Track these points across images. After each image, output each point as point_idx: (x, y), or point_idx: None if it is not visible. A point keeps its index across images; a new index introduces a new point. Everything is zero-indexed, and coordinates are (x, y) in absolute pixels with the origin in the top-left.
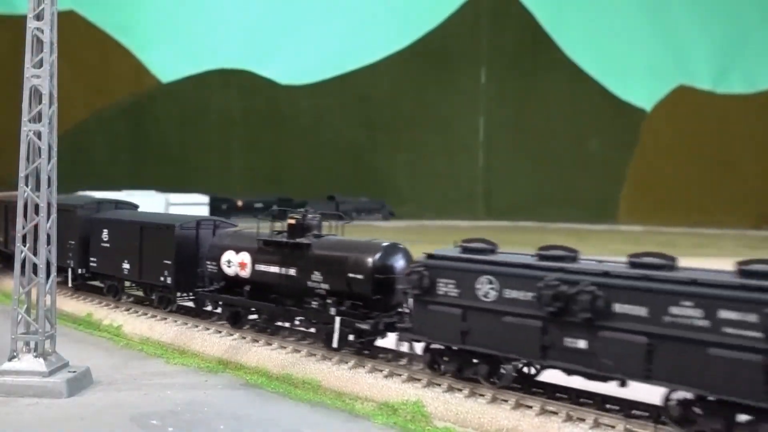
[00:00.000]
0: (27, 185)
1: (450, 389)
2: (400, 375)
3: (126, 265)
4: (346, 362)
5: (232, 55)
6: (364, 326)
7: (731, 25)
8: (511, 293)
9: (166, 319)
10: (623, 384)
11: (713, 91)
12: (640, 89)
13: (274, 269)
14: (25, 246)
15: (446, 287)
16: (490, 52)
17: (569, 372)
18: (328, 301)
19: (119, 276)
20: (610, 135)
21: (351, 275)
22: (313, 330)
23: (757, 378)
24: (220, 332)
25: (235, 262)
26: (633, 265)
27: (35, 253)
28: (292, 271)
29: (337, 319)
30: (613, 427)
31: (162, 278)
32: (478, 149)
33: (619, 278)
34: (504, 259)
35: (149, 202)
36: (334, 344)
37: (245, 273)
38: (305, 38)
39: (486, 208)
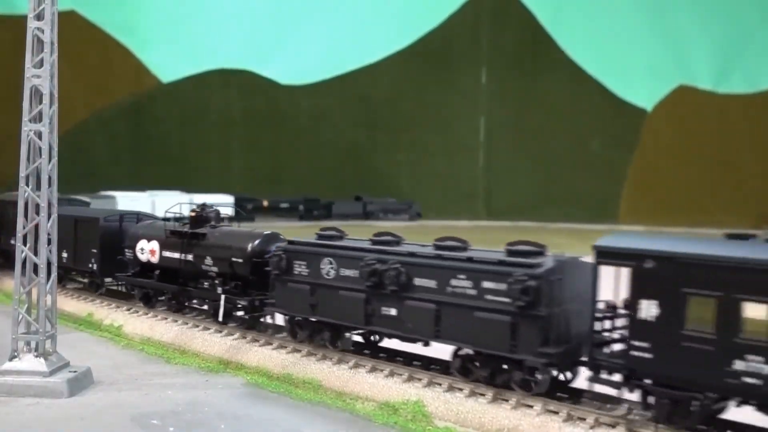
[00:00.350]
0: (27, 185)
1: (451, 389)
2: (401, 375)
3: (65, 254)
4: (347, 362)
5: (232, 55)
6: (243, 302)
7: (732, 24)
8: (344, 272)
9: (166, 319)
10: (426, 344)
11: (714, 90)
12: (641, 89)
13: (177, 255)
14: (25, 246)
15: (300, 268)
16: (491, 52)
17: (388, 336)
18: (216, 281)
19: (60, 264)
20: (610, 135)
21: (234, 259)
22: (206, 306)
23: (505, 334)
24: (220, 332)
25: (147, 250)
26: (436, 247)
27: (36, 253)
28: (189, 257)
29: (222, 297)
30: (613, 426)
31: (90, 265)
32: (479, 149)
33: (418, 257)
34: (343, 244)
35: (174, 201)
36: (219, 318)
37: (155, 259)
38: (305, 38)
39: (486, 208)
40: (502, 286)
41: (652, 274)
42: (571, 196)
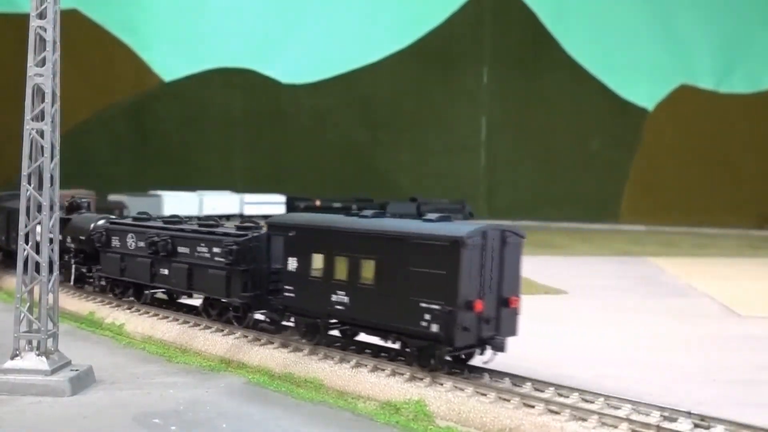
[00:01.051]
0: (30, 184)
1: (453, 388)
2: (403, 374)
3: (2, 237)
4: (348, 361)
5: (234, 54)
6: (83, 269)
7: (734, 24)
8: (140, 244)
9: (168, 318)
10: (190, 296)
11: (715, 90)
12: (642, 89)
13: (60, 237)
14: (27, 244)
15: (114, 242)
16: (492, 51)
17: (165, 292)
18: (71, 254)
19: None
20: (612, 134)
21: (80, 237)
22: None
23: (223, 284)
24: (222, 331)
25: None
26: (200, 225)
27: (38, 252)
28: (62, 237)
29: (73, 266)
30: (615, 426)
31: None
32: (480, 149)
33: (180, 232)
34: (140, 223)
35: (223, 201)
36: (71, 282)
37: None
38: (307, 37)
39: (488, 208)
40: (220, 250)
41: (294, 239)
42: (572, 195)
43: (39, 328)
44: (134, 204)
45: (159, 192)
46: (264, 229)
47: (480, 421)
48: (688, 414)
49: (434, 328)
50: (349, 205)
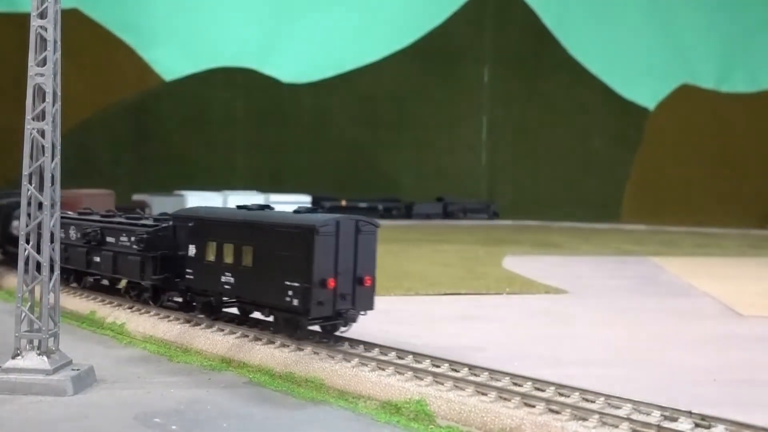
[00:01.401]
0: (30, 183)
1: (454, 388)
2: (404, 374)
3: None
4: (349, 361)
5: (235, 53)
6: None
7: (734, 24)
8: (78, 235)
9: (169, 317)
10: (115, 282)
11: (716, 90)
12: (644, 88)
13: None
14: (28, 244)
15: (61, 234)
16: (493, 50)
17: (95, 276)
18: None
19: None
20: (613, 134)
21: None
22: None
23: (138, 268)
24: (223, 330)
25: None
26: (126, 218)
27: (38, 251)
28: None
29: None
30: (616, 426)
31: None
32: (481, 148)
33: (109, 224)
34: (81, 217)
35: (248, 201)
36: None
37: None
38: (308, 36)
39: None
40: (135, 239)
41: (193, 229)
42: (573, 195)
43: (40, 327)
44: (158, 203)
45: (183, 192)
46: (169, 221)
47: (481, 421)
48: (689, 414)
49: (295, 302)
50: (375, 205)
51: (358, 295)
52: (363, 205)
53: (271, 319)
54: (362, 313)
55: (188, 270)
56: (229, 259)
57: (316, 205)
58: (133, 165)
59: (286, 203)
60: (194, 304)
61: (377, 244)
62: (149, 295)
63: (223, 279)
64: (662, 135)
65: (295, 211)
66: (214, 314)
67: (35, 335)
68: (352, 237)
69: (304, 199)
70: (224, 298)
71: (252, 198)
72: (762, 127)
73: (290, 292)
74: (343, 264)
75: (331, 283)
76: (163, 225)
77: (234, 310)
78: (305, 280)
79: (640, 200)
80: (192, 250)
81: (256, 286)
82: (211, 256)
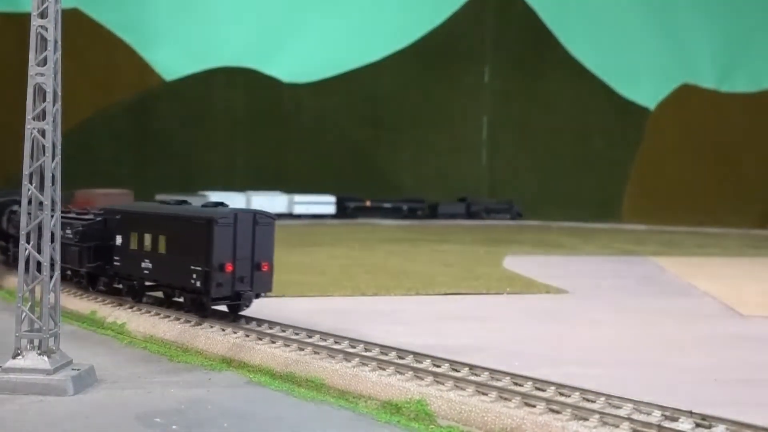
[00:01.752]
0: (31, 183)
1: (454, 387)
2: (404, 373)
3: None
4: (349, 360)
5: (236, 53)
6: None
7: (735, 24)
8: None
9: (170, 316)
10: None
11: (717, 89)
12: (644, 88)
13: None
14: (29, 244)
15: (7, 224)
16: (494, 50)
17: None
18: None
19: None
20: (613, 133)
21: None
22: None
23: (77, 257)
24: (223, 330)
25: None
26: (76, 213)
27: (39, 251)
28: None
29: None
30: (617, 426)
31: None
32: (482, 147)
33: (62, 218)
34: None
35: (272, 201)
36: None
37: None
38: (309, 36)
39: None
40: (73, 232)
41: (120, 222)
42: (573, 194)
43: (40, 327)
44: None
45: (206, 192)
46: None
47: (481, 420)
48: (690, 413)
49: (198, 284)
50: (399, 206)
51: (256, 278)
52: (387, 205)
53: (181, 300)
54: (262, 294)
55: (116, 257)
56: (148, 247)
57: (341, 205)
58: (133, 165)
59: (310, 203)
60: (120, 286)
61: (275, 235)
62: (85, 281)
63: (143, 265)
64: (662, 135)
65: (203, 205)
66: (137, 297)
67: (36, 335)
68: (250, 228)
69: (330, 200)
70: (145, 282)
71: (276, 198)
72: (763, 126)
73: (194, 275)
74: (241, 251)
75: (229, 267)
76: (97, 219)
77: (160, 294)
78: (206, 264)
79: (640, 200)
80: (119, 239)
81: (169, 270)
82: (134, 245)
